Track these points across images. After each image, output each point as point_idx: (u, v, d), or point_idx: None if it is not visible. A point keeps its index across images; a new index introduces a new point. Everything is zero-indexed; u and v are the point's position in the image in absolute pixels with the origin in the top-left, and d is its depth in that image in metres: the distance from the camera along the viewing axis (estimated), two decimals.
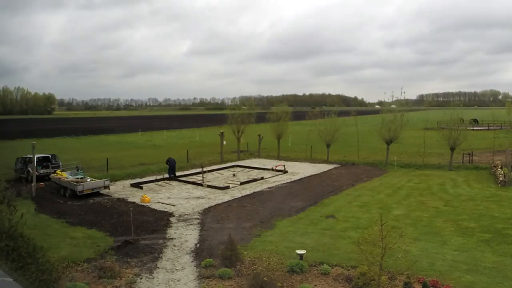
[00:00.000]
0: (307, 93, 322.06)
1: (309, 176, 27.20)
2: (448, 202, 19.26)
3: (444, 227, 15.23)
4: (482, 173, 27.05)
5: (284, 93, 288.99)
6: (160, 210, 18.15)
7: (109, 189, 21.91)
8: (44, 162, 26.73)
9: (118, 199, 20.53)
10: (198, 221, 16.49)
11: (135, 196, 20.85)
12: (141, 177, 26.56)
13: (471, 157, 31.20)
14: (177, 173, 26.89)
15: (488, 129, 62.77)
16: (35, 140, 24.86)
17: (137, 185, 23.53)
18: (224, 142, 35.47)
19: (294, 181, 25.59)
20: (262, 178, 26.23)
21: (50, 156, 27.59)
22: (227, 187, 23.15)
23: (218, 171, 29.42)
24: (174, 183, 24.82)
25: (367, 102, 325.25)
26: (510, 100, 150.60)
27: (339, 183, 24.49)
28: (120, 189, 22.85)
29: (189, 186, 23.89)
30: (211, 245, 13.48)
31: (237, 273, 10.88)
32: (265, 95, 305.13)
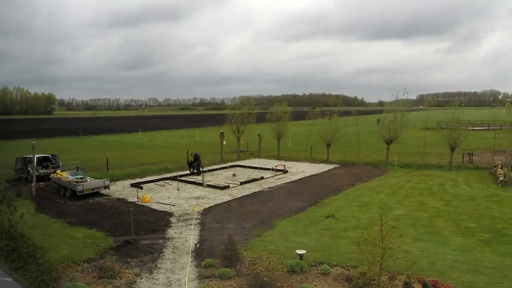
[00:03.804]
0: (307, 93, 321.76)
1: (309, 176, 27.19)
2: (448, 202, 19.25)
3: (444, 227, 15.22)
4: (482, 173, 27.05)
5: (285, 93, 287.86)
6: (160, 210, 18.14)
7: (109, 189, 21.92)
8: (44, 162, 26.72)
9: (118, 199, 20.53)
10: (198, 221, 16.49)
11: (135, 196, 20.84)
12: (141, 177, 26.57)
13: (471, 157, 31.20)
14: (177, 174, 26.87)
15: (488, 129, 62.76)
16: (35, 140, 24.86)
17: (137, 185, 23.53)
18: (224, 142, 35.47)
19: (294, 181, 25.58)
20: (262, 178, 26.23)
21: (50, 156, 27.58)
22: (227, 187, 23.16)
23: (218, 170, 29.42)
24: (174, 183, 24.82)
25: (367, 102, 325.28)
26: (510, 100, 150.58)
27: (339, 183, 24.49)
28: (120, 189, 22.85)
29: (189, 185, 23.91)
30: (211, 245, 13.48)
31: (237, 273, 10.87)
32: (265, 95, 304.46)
